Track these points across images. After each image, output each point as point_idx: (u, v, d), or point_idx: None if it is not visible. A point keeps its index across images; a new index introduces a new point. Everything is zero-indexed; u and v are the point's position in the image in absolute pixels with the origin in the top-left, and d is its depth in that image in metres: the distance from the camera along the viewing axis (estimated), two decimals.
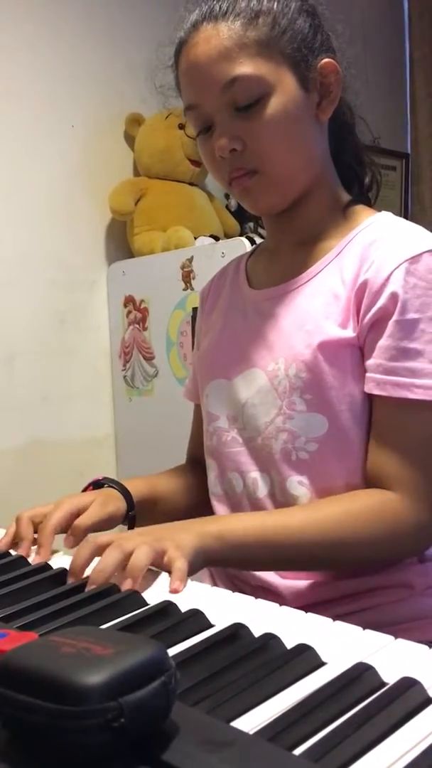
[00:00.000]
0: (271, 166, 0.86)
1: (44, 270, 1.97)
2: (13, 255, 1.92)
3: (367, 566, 0.86)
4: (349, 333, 0.83)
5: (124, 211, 2.02)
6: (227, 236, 2.04)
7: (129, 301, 2.02)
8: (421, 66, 2.81)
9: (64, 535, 0.84)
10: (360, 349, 0.84)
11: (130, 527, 0.92)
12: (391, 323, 0.80)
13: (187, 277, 1.83)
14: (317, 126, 0.89)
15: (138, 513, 0.92)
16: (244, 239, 1.73)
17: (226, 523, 0.79)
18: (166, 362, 1.93)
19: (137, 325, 2.00)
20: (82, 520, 0.83)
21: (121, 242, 2.10)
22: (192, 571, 0.71)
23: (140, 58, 2.00)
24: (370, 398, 0.84)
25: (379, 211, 0.93)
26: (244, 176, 0.87)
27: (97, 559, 0.71)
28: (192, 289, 1.82)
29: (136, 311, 2.00)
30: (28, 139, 1.94)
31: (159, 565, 0.70)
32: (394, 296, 0.80)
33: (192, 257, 1.82)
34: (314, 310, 0.86)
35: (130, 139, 2.12)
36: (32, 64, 1.94)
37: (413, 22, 2.83)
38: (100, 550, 0.72)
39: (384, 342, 0.81)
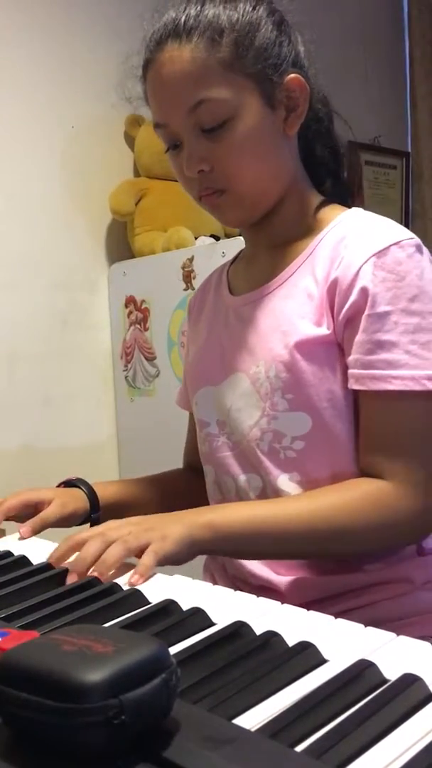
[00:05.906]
0: (238, 185, 0.87)
1: (45, 271, 1.98)
2: (14, 256, 1.92)
3: (364, 554, 0.86)
4: (324, 330, 0.84)
5: (125, 211, 2.02)
6: (227, 236, 2.03)
7: (130, 301, 2.02)
8: (421, 64, 2.81)
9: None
10: (338, 345, 0.85)
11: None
12: (363, 318, 0.81)
13: (188, 277, 1.83)
14: (285, 140, 0.90)
15: (106, 516, 0.94)
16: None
17: (218, 513, 0.80)
18: (167, 362, 1.93)
19: (138, 326, 2.00)
20: (45, 515, 0.89)
21: (121, 243, 2.11)
22: (179, 560, 0.73)
23: (141, 58, 2.00)
24: (353, 394, 0.85)
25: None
26: (213, 194, 0.89)
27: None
28: (193, 288, 1.82)
29: (137, 311, 2.00)
30: (28, 140, 1.94)
31: (139, 557, 0.71)
32: (364, 291, 0.81)
33: (193, 257, 1.82)
34: (289, 311, 0.87)
35: (130, 140, 2.12)
36: (31, 65, 1.94)
37: (413, 20, 2.83)
38: (78, 546, 0.74)
39: (359, 337, 0.81)
